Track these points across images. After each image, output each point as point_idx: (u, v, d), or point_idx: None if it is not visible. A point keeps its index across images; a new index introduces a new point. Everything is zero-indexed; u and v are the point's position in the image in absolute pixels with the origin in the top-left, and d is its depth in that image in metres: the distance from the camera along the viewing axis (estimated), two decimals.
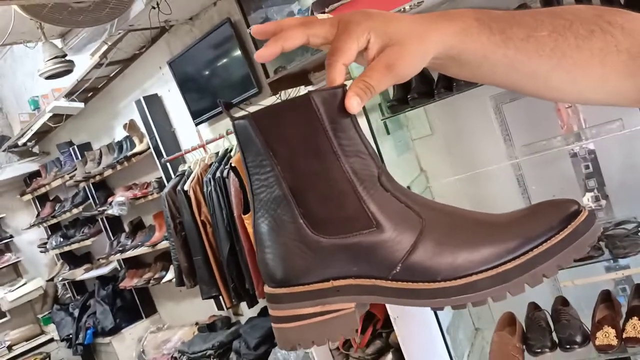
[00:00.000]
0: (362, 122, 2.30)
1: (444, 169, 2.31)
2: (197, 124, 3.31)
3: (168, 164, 3.46)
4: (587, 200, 2.11)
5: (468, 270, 0.47)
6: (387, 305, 2.25)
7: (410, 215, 0.49)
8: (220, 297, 3.01)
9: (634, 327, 1.81)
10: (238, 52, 2.92)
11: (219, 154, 2.88)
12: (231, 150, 2.78)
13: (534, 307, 2.12)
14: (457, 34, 0.52)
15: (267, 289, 0.51)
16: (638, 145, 2.01)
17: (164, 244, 3.66)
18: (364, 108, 2.04)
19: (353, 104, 0.48)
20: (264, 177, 0.49)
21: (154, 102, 3.66)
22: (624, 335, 1.81)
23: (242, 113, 0.51)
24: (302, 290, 0.50)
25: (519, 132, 2.17)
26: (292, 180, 0.49)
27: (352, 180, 0.48)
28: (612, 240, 1.82)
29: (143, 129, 3.73)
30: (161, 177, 3.71)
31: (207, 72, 3.18)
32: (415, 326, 2.24)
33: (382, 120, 2.09)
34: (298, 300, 0.50)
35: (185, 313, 4.42)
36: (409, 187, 2.09)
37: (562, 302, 2.08)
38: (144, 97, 3.62)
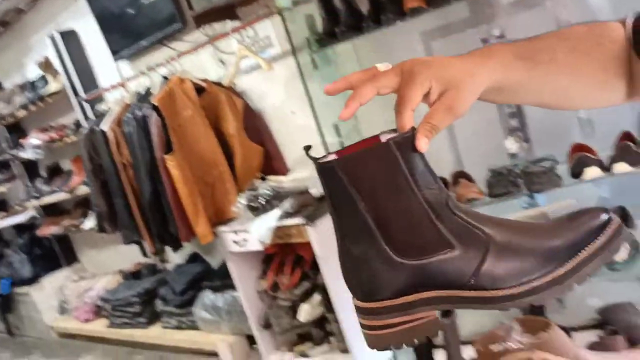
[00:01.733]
0: (289, 61, 2.23)
1: (375, 108, 2.28)
2: (116, 61, 3.11)
3: (86, 105, 3.25)
4: (510, 144, 2.16)
5: (529, 275, 0.56)
6: (314, 246, 2.25)
7: (476, 233, 0.57)
8: (144, 242, 2.92)
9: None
10: None
11: (140, 92, 2.72)
12: (152, 88, 2.63)
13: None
14: (501, 68, 0.63)
15: (358, 303, 0.60)
16: None
17: (84, 190, 3.49)
18: (291, 44, 1.97)
19: (422, 145, 0.56)
20: (349, 211, 0.57)
21: (69, 38, 3.41)
22: None
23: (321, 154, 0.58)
24: (391, 304, 0.58)
25: None
26: (375, 213, 0.57)
27: (427, 210, 0.56)
28: (529, 177, 1.88)
29: (58, 66, 3.47)
30: (78, 120, 3.49)
31: (127, 6, 2.97)
32: None
33: (309, 54, 2.03)
34: (388, 312, 0.59)
35: (108, 261, 4.29)
36: (336, 126, 2.06)
37: None
38: (59, 32, 3.35)
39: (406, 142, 0.55)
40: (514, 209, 2.14)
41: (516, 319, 0.88)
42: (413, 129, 0.56)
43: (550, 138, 2.11)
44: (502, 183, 1.89)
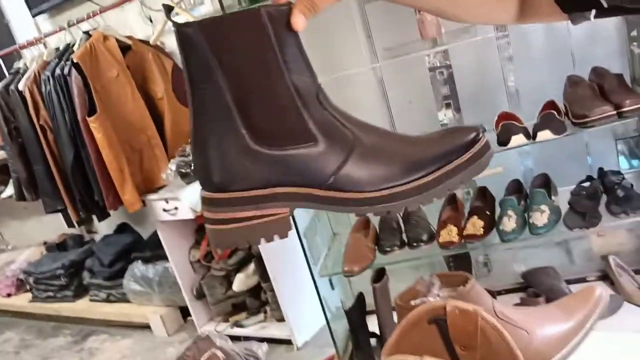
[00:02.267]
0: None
1: None
2: (34, 15, 2.90)
3: (0, 61, 3.03)
4: (442, 115, 2.18)
5: (391, 182, 0.54)
6: None
7: (343, 132, 0.54)
8: (67, 211, 2.78)
9: (473, 225, 1.93)
10: None
11: (60, 49, 2.55)
12: (73, 45, 2.47)
13: (387, 211, 2.19)
14: None
15: (205, 193, 0.54)
16: (488, 53, 2.09)
17: (0, 155, 3.27)
18: (221, 5, 1.88)
19: (298, 22, 0.50)
20: (207, 87, 0.51)
21: None
22: (464, 233, 1.93)
23: (183, 19, 0.44)
24: (242, 196, 0.53)
25: (380, 34, 2.15)
26: (236, 91, 0.51)
27: (294, 96, 0.52)
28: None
29: None
30: None
31: None
32: None
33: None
34: (238, 204, 0.54)
35: (31, 232, 4.08)
36: None
37: None
38: None
39: (280, 15, 0.50)
40: None
41: (436, 275, 0.88)
42: (289, 4, 0.50)
43: (479, 107, 2.15)
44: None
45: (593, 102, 1.73)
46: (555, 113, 1.79)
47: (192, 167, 0.56)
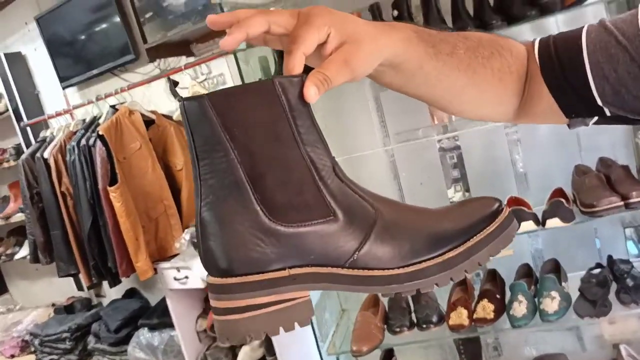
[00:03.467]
0: None
1: None
2: (64, 88, 3.05)
3: (29, 130, 3.15)
4: (452, 192, 2.24)
5: (417, 257, 0.51)
6: None
7: (364, 206, 0.51)
8: (79, 275, 2.81)
9: (484, 309, 1.94)
10: (116, 18, 2.72)
11: (86, 120, 2.67)
12: (100, 117, 2.58)
13: (417, 289, 2.20)
14: (402, 42, 0.57)
15: (213, 279, 0.49)
16: (496, 139, 2.16)
17: (19, 217, 3.34)
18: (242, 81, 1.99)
19: (311, 94, 0.48)
20: (217, 162, 0.48)
21: (16, 60, 3.33)
22: (474, 316, 1.94)
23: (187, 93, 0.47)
24: (256, 280, 0.48)
25: (393, 120, 2.24)
26: (249, 165, 0.48)
27: (310, 168, 0.49)
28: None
29: (2, 89, 3.37)
30: (20, 144, 3.38)
31: (80, 34, 2.94)
32: None
33: None
34: (252, 290, 0.48)
35: (40, 293, 4.08)
36: None
37: None
38: (4, 54, 3.27)
39: (293, 86, 0.48)
40: None
41: None
42: (302, 75, 0.48)
43: (488, 188, 2.20)
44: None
45: (601, 192, 1.78)
46: (564, 201, 1.84)
47: (199, 250, 0.51)
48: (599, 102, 0.68)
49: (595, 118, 0.71)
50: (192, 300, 2.71)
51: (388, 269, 0.51)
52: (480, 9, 1.84)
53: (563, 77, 0.69)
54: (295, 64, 0.49)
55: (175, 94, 0.51)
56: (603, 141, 2.04)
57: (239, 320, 0.49)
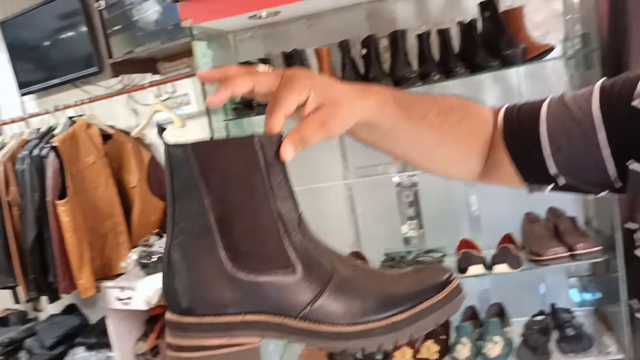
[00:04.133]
0: (204, 121, 2.24)
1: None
2: (23, 94, 2.95)
3: None
4: (406, 228, 2.26)
5: (366, 317, 0.53)
6: None
7: (322, 262, 0.54)
8: (18, 288, 2.69)
9: (428, 349, 1.95)
10: (83, 27, 2.67)
11: (42, 130, 2.59)
12: (56, 128, 2.51)
13: (361, 347, 2.19)
14: (377, 106, 0.62)
15: (172, 316, 0.52)
16: (453, 181, 2.20)
17: None
18: (207, 109, 1.99)
19: (287, 152, 0.52)
20: (191, 206, 0.51)
21: None
22: (418, 356, 1.95)
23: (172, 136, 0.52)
24: (211, 322, 0.51)
25: (355, 154, 2.26)
26: (220, 212, 0.51)
27: (277, 221, 0.52)
28: (419, 266, 1.96)
29: None
30: None
31: (44, 40, 2.86)
32: None
33: (224, 121, 2.04)
34: (206, 330, 0.51)
35: None
36: None
37: None
38: None
39: (271, 144, 0.51)
40: None
41: None
42: (280, 135, 0.52)
43: (442, 228, 2.24)
44: (395, 269, 1.96)
45: (548, 241, 1.84)
46: (513, 247, 1.89)
47: (162, 286, 0.55)
48: (554, 172, 0.73)
49: (551, 185, 0.75)
50: (133, 321, 2.62)
51: (337, 324, 0.53)
52: (445, 55, 1.90)
53: (522, 146, 0.74)
54: (275, 124, 0.53)
55: (163, 140, 0.52)
56: None
57: (190, 358, 0.51)
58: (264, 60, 2.03)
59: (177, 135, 2.54)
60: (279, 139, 0.52)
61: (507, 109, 0.78)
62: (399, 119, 0.65)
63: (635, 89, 0.67)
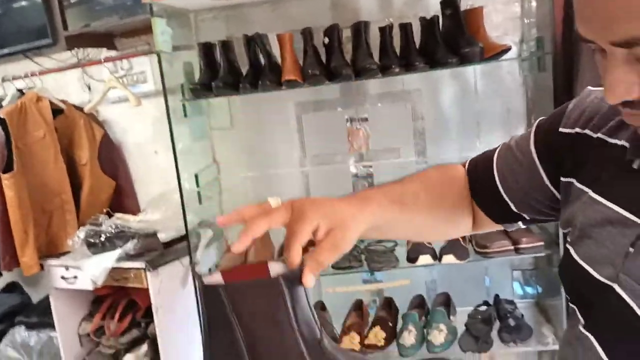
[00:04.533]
0: (160, 101, 2.20)
1: (238, 164, 2.31)
2: None
3: None
4: None
5: None
6: (151, 294, 2.15)
7: None
8: None
9: (375, 335, 2.00)
10: None
11: None
12: (3, 99, 2.41)
13: None
14: (377, 211, 0.72)
15: None
16: (406, 174, 2.25)
17: None
18: (163, 87, 1.95)
19: (309, 280, 0.60)
20: (224, 337, 0.60)
21: None
22: (366, 342, 1.99)
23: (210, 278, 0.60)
24: None
25: (313, 141, 2.28)
26: (250, 342, 0.59)
27: (301, 345, 0.59)
28: (371, 255, 2.00)
29: None
30: None
31: None
32: (176, 318, 2.17)
33: (181, 101, 2.01)
34: None
35: None
36: (196, 176, 2.04)
37: (320, 307, 2.21)
38: None
39: (294, 277, 0.59)
40: (355, 281, 2.25)
41: None
42: (301, 266, 0.60)
43: None
44: (346, 257, 1.99)
45: (495, 235, 1.91)
46: (461, 240, 1.95)
47: None
48: (516, 210, 0.83)
49: (521, 221, 0.86)
50: (77, 301, 2.56)
51: None
52: (406, 49, 1.92)
53: (484, 194, 0.86)
54: (295, 257, 0.61)
55: (200, 280, 0.59)
56: None
57: None
58: (225, 43, 2.01)
59: (132, 113, 2.49)
60: (300, 270, 0.60)
61: (470, 162, 0.90)
62: (396, 214, 0.76)
63: (562, 118, 0.77)
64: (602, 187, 0.68)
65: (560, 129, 0.76)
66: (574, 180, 0.74)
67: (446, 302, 2.17)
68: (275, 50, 1.98)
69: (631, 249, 0.61)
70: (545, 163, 0.78)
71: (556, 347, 1.95)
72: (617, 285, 0.62)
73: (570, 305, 0.72)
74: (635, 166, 0.64)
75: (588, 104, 0.75)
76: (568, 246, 0.72)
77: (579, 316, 0.68)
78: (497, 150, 0.86)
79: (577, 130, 0.74)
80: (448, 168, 0.90)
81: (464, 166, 0.90)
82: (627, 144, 0.66)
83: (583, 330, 0.66)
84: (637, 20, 0.49)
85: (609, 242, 0.64)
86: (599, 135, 0.71)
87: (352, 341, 1.98)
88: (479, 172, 0.87)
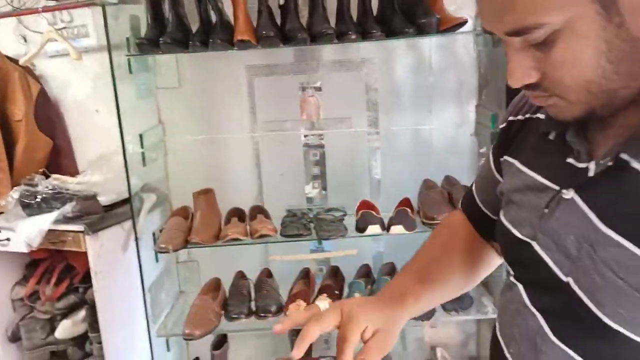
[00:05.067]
0: (103, 56, 2.07)
1: (185, 126, 2.22)
2: None
3: None
4: (310, 187, 2.27)
5: None
6: (90, 258, 2.06)
7: None
8: None
9: (321, 302, 2.00)
10: None
11: None
12: None
13: (240, 276, 2.18)
14: (413, 305, 0.81)
15: None
16: (358, 145, 2.24)
17: None
18: (107, 42, 1.83)
19: None
20: None
21: None
22: None
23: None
24: None
25: (264, 108, 2.22)
26: None
27: None
28: (320, 223, 1.98)
29: None
30: None
31: None
32: (117, 283, 2.10)
33: (126, 56, 1.91)
34: None
35: None
36: (141, 136, 1.95)
37: (267, 274, 2.20)
38: None
39: None
40: (302, 250, 2.24)
41: None
42: None
43: (344, 190, 2.28)
44: (295, 225, 1.97)
45: (442, 207, 1.93)
46: (409, 210, 1.96)
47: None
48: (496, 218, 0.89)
49: None
50: (10, 264, 2.44)
51: None
52: (363, 16, 1.89)
53: (476, 219, 0.96)
54: None
55: None
56: (453, 162, 2.22)
57: None
58: None
59: (72, 68, 2.35)
60: None
61: (461, 202, 1.02)
62: (429, 293, 0.84)
63: (512, 109, 0.86)
64: (527, 157, 0.78)
65: (510, 118, 0.85)
66: (507, 157, 0.83)
67: (392, 271, 2.19)
68: (228, 9, 1.90)
69: (546, 210, 0.70)
70: (495, 161, 0.90)
71: (494, 316, 2.01)
72: (535, 243, 0.71)
73: (505, 261, 0.84)
74: (551, 137, 0.73)
75: None
76: (500, 211, 0.82)
77: (510, 269, 0.81)
78: (474, 181, 0.99)
79: (519, 117, 0.83)
80: (450, 219, 1.01)
81: (459, 211, 1.01)
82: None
83: (513, 280, 0.78)
84: (521, 10, 0.55)
85: (528, 206, 0.73)
86: (530, 115, 0.81)
87: (297, 308, 1.97)
88: (468, 203, 0.98)
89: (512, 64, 0.61)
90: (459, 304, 2.01)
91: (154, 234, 1.99)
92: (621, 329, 0.60)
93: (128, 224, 2.05)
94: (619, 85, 0.58)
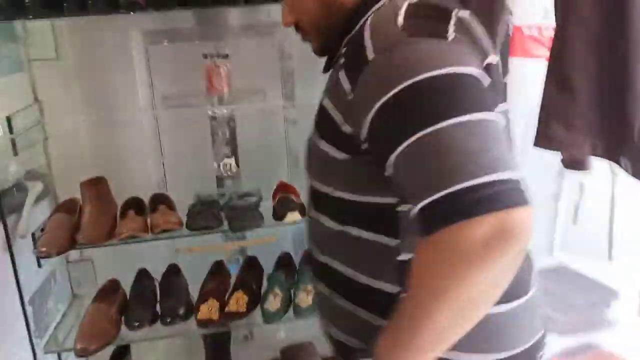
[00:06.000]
0: None
1: (68, 104, 1.89)
2: None
3: None
4: (220, 168, 2.03)
5: None
6: None
7: None
8: None
9: (237, 301, 1.78)
10: None
11: None
12: None
13: (143, 275, 1.92)
14: None
15: None
16: (273, 119, 2.03)
17: None
18: None
19: None
20: None
21: None
22: (226, 309, 1.77)
23: None
24: None
25: (163, 81, 1.94)
26: None
27: None
28: (232, 212, 1.76)
29: None
30: None
31: None
32: None
33: None
34: None
35: None
36: (8, 118, 1.62)
37: (174, 271, 1.95)
38: None
39: None
40: (213, 240, 2.01)
41: None
42: None
43: (259, 168, 2.06)
44: (204, 215, 1.73)
45: None
46: None
47: None
48: None
49: None
50: None
51: None
52: None
53: None
54: None
55: None
56: None
57: None
58: None
59: None
60: None
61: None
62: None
63: None
64: None
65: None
66: None
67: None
68: None
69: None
70: None
71: None
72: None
73: None
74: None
75: None
76: None
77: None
78: None
79: None
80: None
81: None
82: None
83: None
84: None
85: None
86: None
87: (210, 309, 1.74)
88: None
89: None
90: None
91: (33, 235, 1.68)
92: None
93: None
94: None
